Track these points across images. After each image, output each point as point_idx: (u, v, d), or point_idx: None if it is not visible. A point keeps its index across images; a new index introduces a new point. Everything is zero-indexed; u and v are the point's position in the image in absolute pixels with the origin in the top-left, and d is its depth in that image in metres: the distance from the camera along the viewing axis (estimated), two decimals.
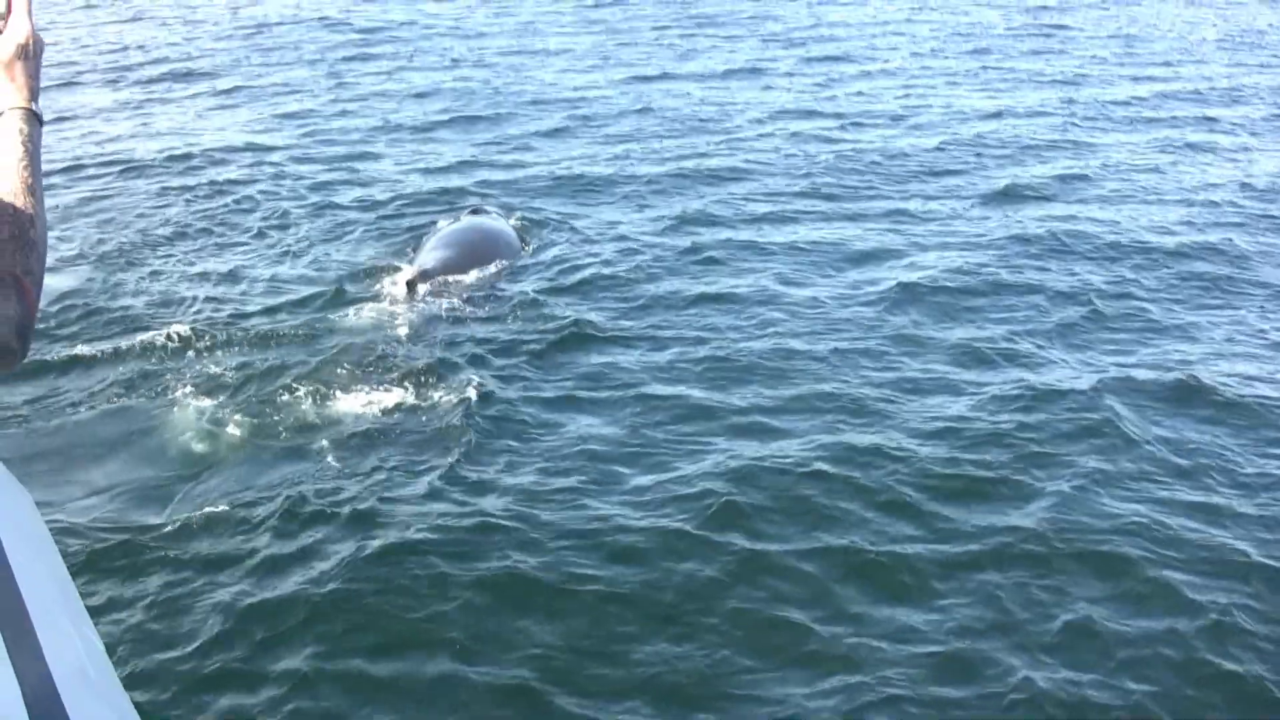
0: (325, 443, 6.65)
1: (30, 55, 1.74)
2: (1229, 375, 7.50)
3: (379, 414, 6.99)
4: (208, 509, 5.95)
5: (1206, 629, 5.02)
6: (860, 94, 16.96)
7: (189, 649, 4.92)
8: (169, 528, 5.79)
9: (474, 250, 9.20)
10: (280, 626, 5.04)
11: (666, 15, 25.14)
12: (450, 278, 8.78)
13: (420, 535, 5.62)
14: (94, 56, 19.78)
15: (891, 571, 5.42)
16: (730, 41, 21.81)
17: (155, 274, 9.64)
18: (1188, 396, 7.18)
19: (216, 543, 5.68)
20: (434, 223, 10.36)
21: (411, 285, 8.45)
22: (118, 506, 6.09)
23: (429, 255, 8.86)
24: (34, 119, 1.73)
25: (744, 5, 26.44)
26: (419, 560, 5.44)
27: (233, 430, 6.83)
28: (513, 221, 10.35)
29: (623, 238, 10.27)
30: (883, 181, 12.39)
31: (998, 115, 15.55)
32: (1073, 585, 5.35)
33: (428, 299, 8.50)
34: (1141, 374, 7.49)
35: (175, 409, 7.05)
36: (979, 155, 13.43)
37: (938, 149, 13.68)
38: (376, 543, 5.57)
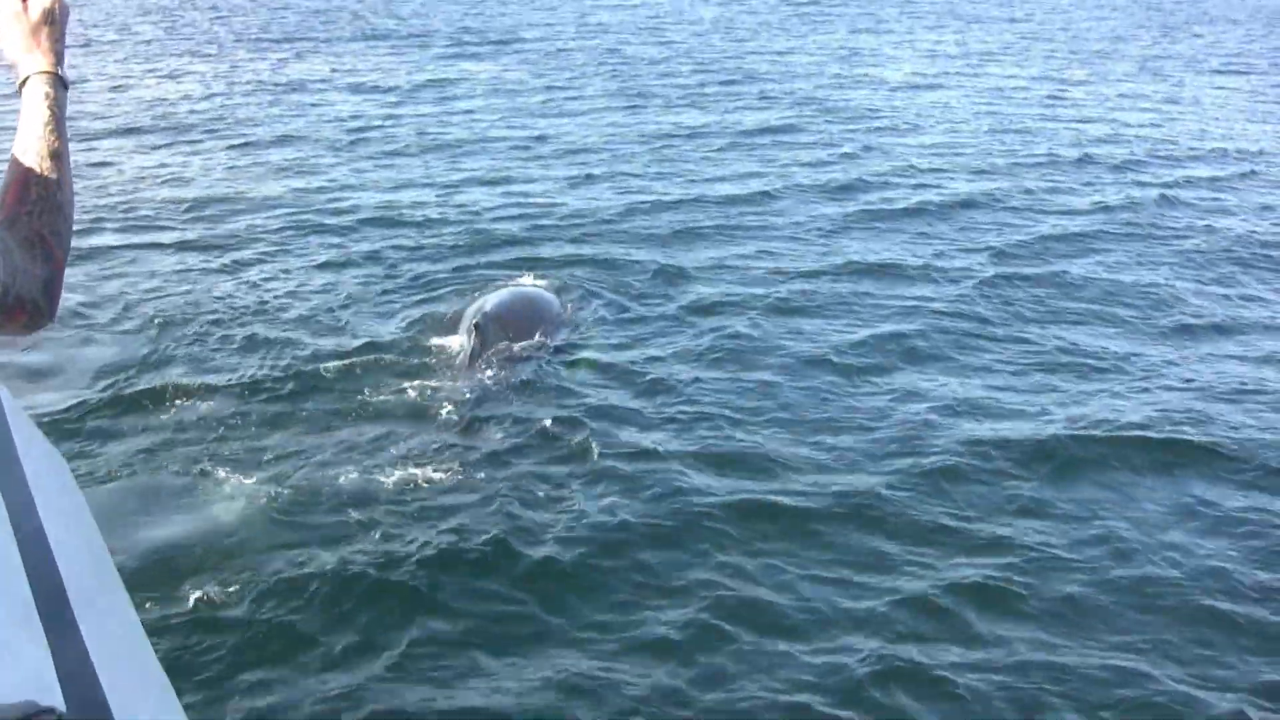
0: (411, 506, 6.68)
1: (55, 20, 1.74)
2: None
3: (447, 487, 6.90)
4: (265, 569, 6.01)
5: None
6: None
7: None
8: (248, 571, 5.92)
9: (527, 316, 9.20)
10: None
11: (688, 69, 25.35)
12: (508, 345, 8.74)
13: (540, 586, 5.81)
14: (135, 108, 19.99)
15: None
16: (748, 95, 22.01)
17: (199, 337, 9.55)
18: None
19: (285, 604, 5.69)
20: (482, 288, 10.28)
21: (474, 356, 8.44)
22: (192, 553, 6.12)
23: (485, 321, 8.76)
24: (59, 83, 1.73)
25: (766, 66, 26.48)
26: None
27: (289, 494, 6.76)
28: (554, 283, 10.35)
29: (666, 293, 10.51)
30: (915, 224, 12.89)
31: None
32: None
33: (489, 367, 8.45)
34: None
35: (222, 474, 7.00)
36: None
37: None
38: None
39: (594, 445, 7.29)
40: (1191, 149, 17.36)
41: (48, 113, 1.69)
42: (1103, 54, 27.81)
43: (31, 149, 1.66)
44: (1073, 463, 7.23)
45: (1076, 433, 7.57)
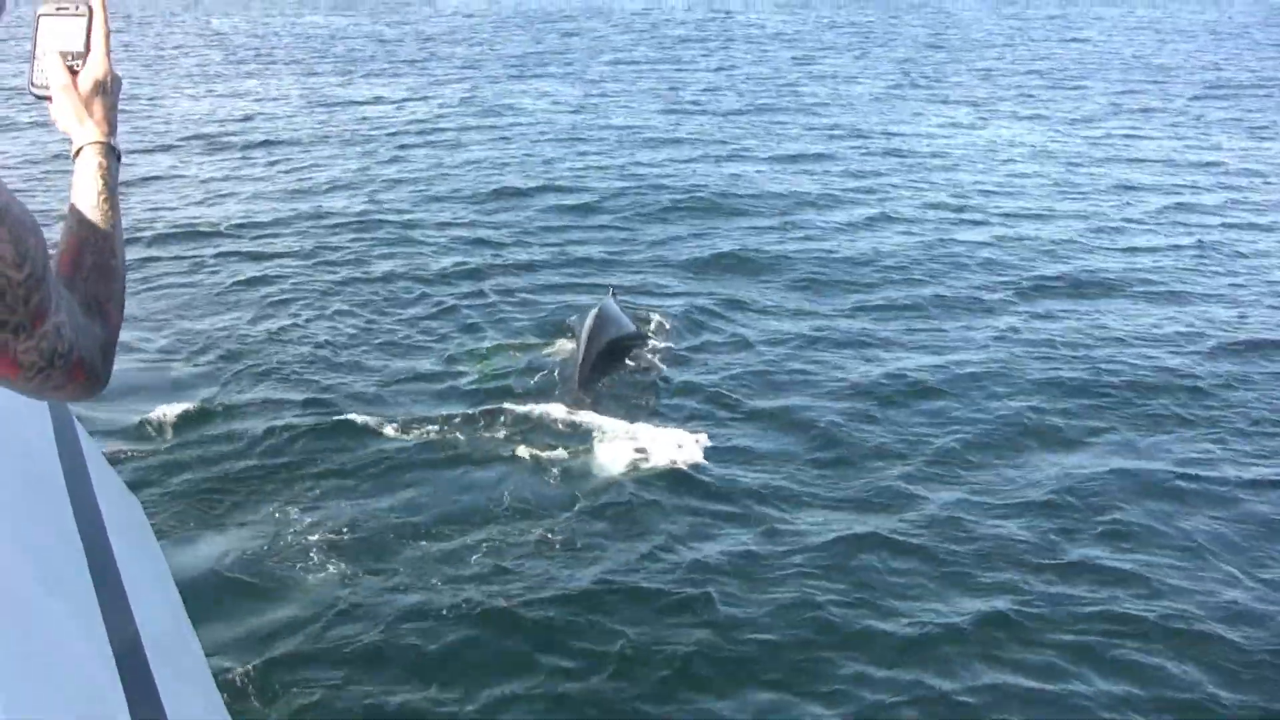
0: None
1: (108, 91, 1.79)
2: None
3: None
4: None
5: None
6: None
7: None
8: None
9: (625, 342, 9.25)
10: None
11: (742, 102, 24.53)
12: (611, 374, 8.77)
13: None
14: (199, 125, 19.59)
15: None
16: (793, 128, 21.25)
17: (269, 365, 9.04)
18: None
19: (370, 667, 5.40)
20: (570, 314, 10.21)
21: (584, 387, 8.41)
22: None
23: (588, 353, 8.72)
24: (112, 153, 1.77)
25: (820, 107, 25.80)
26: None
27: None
28: (639, 310, 10.35)
29: (748, 322, 10.44)
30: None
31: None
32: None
33: (598, 396, 8.41)
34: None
35: (295, 514, 6.70)
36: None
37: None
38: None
39: (706, 479, 7.32)
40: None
41: (101, 183, 1.73)
42: (1155, 101, 26.78)
43: (86, 217, 1.70)
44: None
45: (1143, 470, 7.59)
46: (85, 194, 1.71)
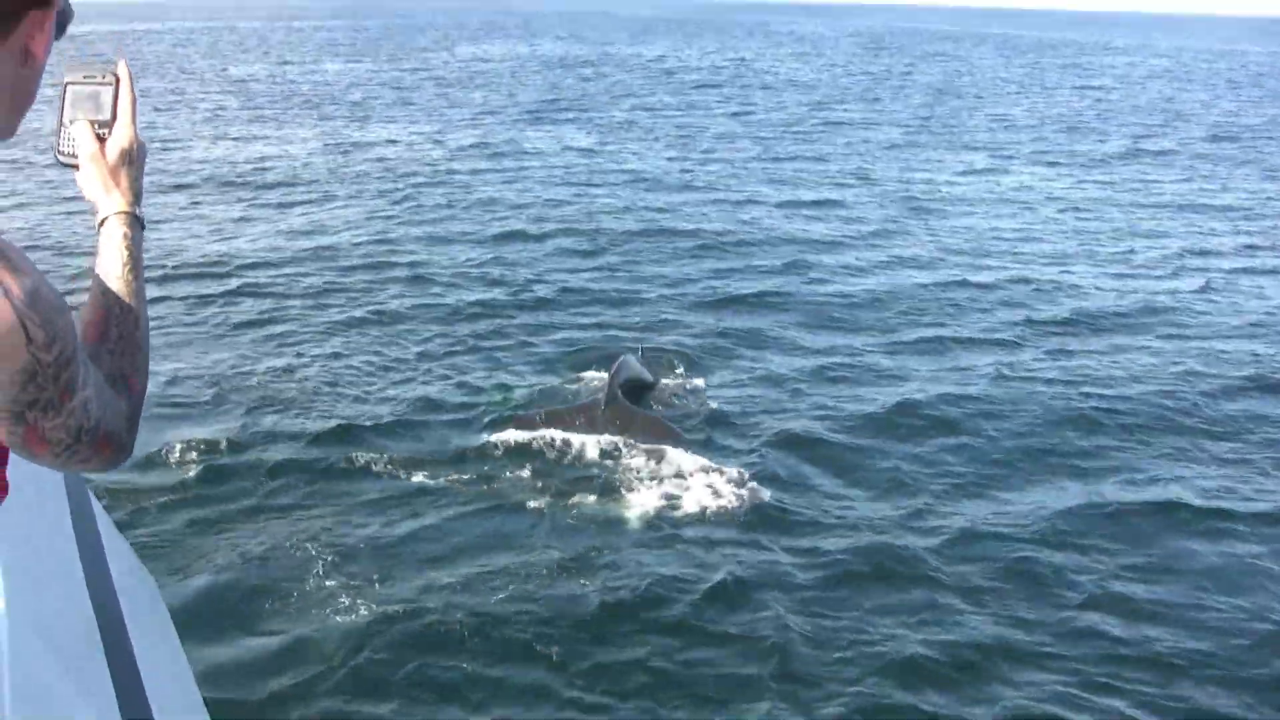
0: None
1: (134, 160, 1.80)
2: None
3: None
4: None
5: None
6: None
7: None
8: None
9: (644, 388, 9.30)
10: None
11: (756, 149, 24.46)
12: (633, 404, 8.74)
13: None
14: (223, 167, 19.64)
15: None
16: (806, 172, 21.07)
17: (281, 408, 8.91)
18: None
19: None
20: (588, 351, 10.38)
21: (609, 405, 8.47)
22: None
23: (611, 384, 8.84)
24: (136, 223, 1.78)
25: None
26: None
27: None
28: (663, 356, 10.38)
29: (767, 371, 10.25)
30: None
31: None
32: None
33: (619, 422, 8.39)
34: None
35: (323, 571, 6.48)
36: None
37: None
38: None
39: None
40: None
41: (126, 253, 1.74)
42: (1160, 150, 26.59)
43: (110, 289, 1.71)
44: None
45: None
46: (110, 264, 1.73)
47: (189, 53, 54.04)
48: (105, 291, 1.71)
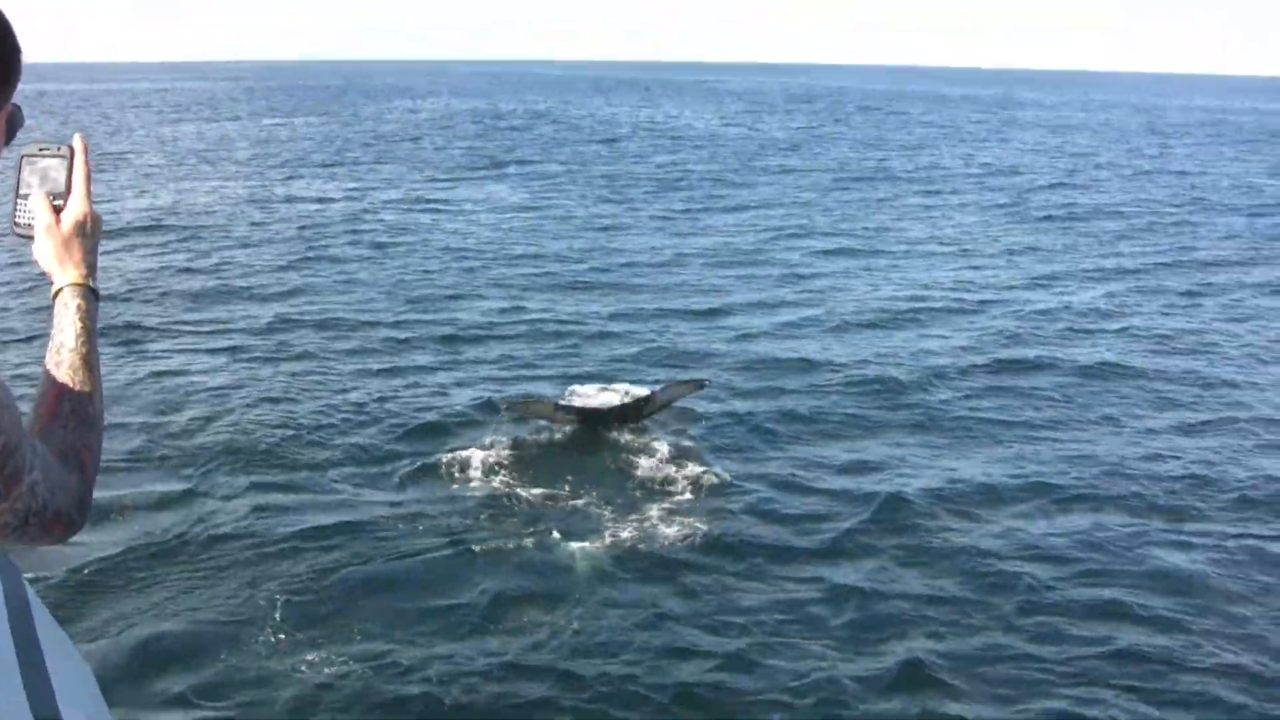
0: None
1: (88, 233, 1.80)
2: None
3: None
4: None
5: None
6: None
7: None
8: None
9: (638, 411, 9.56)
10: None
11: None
12: (627, 428, 9.14)
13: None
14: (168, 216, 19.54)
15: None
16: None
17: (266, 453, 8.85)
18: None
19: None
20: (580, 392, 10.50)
21: (619, 419, 8.90)
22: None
23: (612, 407, 9.36)
24: (91, 295, 1.77)
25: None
26: None
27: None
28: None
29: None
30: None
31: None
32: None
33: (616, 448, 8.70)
34: None
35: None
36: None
37: None
38: None
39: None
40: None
41: (80, 324, 1.70)
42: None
43: (65, 362, 1.67)
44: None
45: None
46: (65, 336, 1.69)
47: (125, 114, 53.81)
48: (59, 363, 1.68)
